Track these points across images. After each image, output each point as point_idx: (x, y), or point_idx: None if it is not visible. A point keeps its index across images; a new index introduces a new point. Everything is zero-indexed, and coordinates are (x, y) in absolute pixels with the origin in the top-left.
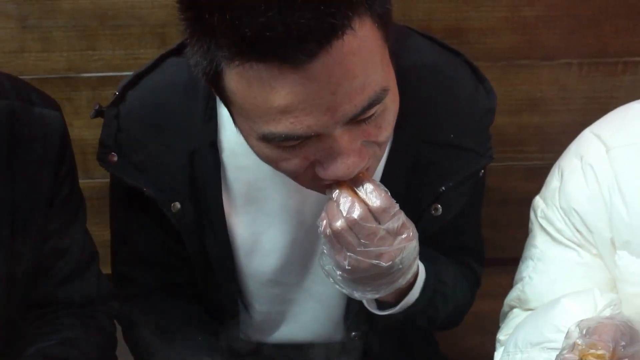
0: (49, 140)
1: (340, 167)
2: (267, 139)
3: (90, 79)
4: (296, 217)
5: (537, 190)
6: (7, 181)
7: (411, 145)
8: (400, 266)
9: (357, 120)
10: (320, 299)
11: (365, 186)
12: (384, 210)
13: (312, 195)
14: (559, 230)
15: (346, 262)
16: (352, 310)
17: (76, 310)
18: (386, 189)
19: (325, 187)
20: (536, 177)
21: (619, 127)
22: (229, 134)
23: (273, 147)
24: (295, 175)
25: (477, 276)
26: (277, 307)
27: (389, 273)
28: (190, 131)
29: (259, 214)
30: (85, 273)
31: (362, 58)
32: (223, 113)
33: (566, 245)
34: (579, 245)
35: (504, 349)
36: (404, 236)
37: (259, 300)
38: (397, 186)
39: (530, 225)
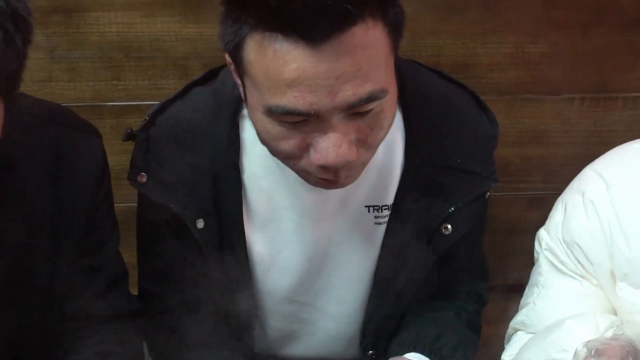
0: (90, 163)
1: (331, 154)
2: (271, 111)
3: (114, 107)
4: (311, 237)
5: (540, 219)
6: (50, 199)
7: (421, 169)
8: None
9: (354, 112)
10: (335, 318)
11: None
12: None
13: (327, 215)
14: (562, 262)
15: None
16: (370, 329)
17: (108, 325)
18: None
19: (315, 181)
20: (540, 207)
21: (618, 166)
22: (250, 157)
23: (275, 122)
24: (291, 157)
25: (483, 299)
26: (292, 324)
27: None
28: (214, 154)
29: (276, 233)
30: (117, 290)
31: (370, 54)
32: (245, 137)
33: (569, 276)
34: (581, 276)
35: None
36: None
37: (274, 317)
38: (410, 207)
39: (535, 254)
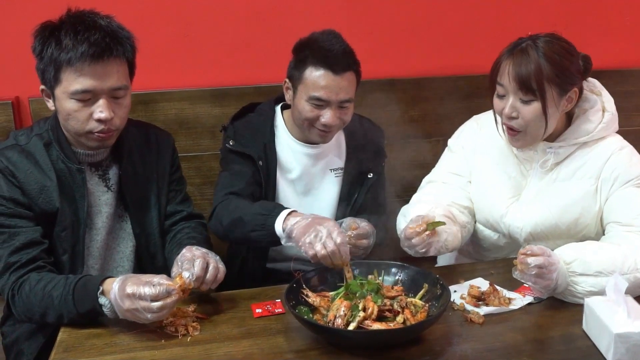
0: (170, 147)
1: (329, 120)
2: (311, 98)
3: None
4: (307, 182)
5: None
6: (154, 168)
7: (354, 151)
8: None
9: (341, 105)
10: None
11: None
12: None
13: (315, 173)
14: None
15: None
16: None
17: (191, 220)
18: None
19: (318, 132)
20: None
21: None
22: (279, 140)
23: (310, 104)
24: (314, 120)
25: (387, 213)
26: None
27: None
28: (264, 133)
29: (288, 178)
30: (188, 201)
31: (351, 83)
32: (278, 125)
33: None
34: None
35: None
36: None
37: None
38: (351, 168)
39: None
